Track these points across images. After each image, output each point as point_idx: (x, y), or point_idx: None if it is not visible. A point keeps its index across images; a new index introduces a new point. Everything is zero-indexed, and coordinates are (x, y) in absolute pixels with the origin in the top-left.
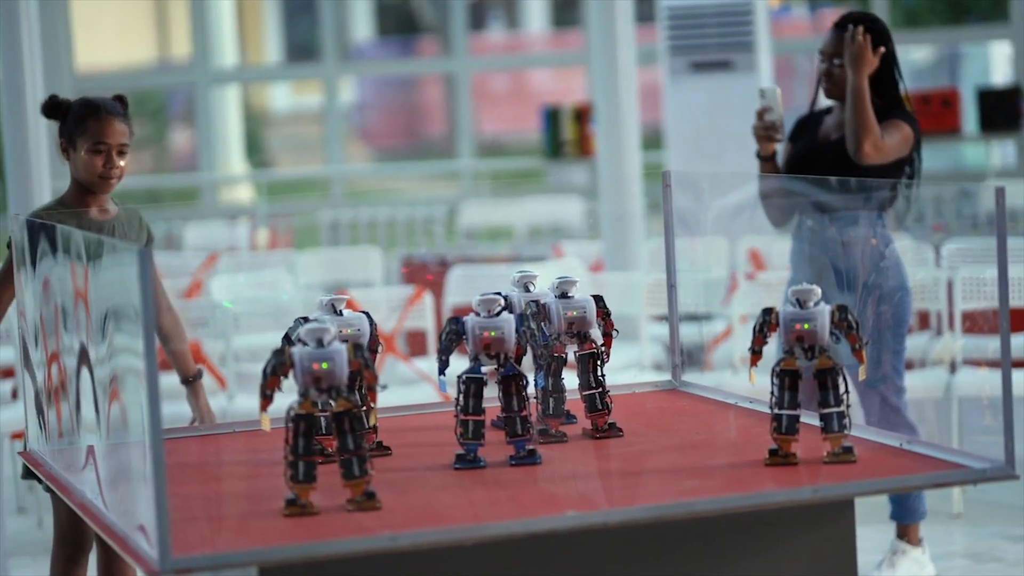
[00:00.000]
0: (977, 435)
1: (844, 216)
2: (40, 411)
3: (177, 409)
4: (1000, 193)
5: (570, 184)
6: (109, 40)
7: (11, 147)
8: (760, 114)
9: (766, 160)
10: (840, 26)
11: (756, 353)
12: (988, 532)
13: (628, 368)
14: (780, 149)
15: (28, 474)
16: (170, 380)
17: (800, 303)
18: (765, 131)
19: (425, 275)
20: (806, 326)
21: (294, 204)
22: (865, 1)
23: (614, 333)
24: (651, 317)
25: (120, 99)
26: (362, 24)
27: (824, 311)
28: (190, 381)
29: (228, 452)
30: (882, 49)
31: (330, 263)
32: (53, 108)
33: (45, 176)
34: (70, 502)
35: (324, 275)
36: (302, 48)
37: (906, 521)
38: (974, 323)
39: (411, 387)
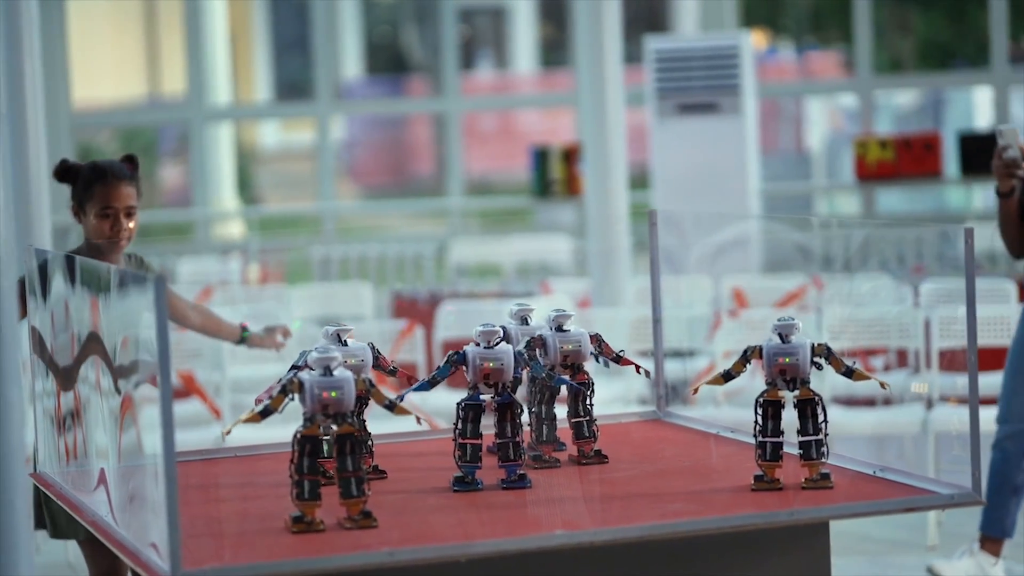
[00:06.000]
0: (952, 468)
1: None
2: (49, 435)
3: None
4: (968, 234)
5: (557, 223)
6: (104, 75)
7: (13, 184)
8: (999, 153)
9: (1005, 196)
10: None
11: (727, 377)
12: None
13: (613, 402)
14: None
15: (37, 525)
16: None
17: (783, 337)
18: (1006, 168)
19: (416, 311)
20: (788, 359)
21: (286, 240)
22: (849, 44)
23: (621, 352)
24: (636, 352)
25: (130, 159)
26: (351, 62)
27: (805, 345)
28: (244, 338)
29: (231, 475)
30: None
31: (321, 297)
32: (64, 172)
33: (46, 214)
34: (82, 520)
35: (316, 309)
36: (291, 86)
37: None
38: (950, 361)
39: (401, 418)
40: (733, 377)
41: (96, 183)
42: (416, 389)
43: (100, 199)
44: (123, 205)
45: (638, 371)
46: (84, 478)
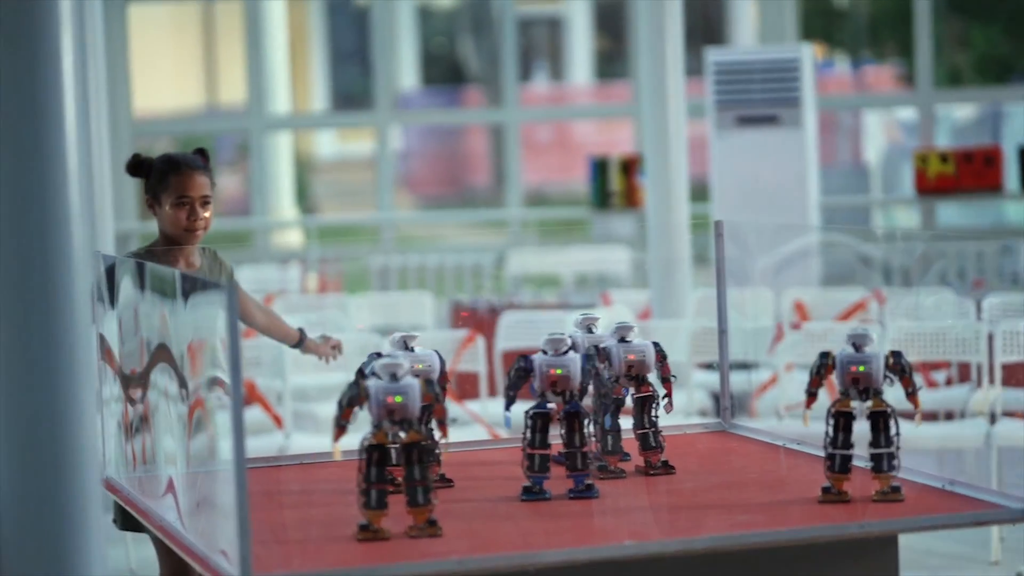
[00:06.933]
0: (1019, 483)
1: None
2: (117, 440)
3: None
4: None
5: (613, 234)
6: (163, 84)
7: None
8: None
9: None
10: None
11: (812, 395)
12: None
13: (675, 414)
14: None
15: (127, 525)
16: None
17: (856, 347)
18: None
19: (476, 321)
20: (861, 368)
21: (345, 249)
22: (909, 58)
23: (672, 378)
24: (697, 365)
25: (201, 152)
26: (407, 73)
27: (879, 355)
28: (301, 342)
29: (294, 482)
30: None
31: (381, 307)
32: (137, 166)
33: (109, 220)
34: (150, 525)
35: (375, 318)
36: (347, 96)
37: None
38: (1013, 375)
39: (463, 428)
40: (815, 394)
41: (170, 173)
42: (506, 411)
43: (175, 189)
44: (198, 194)
45: (665, 397)
46: (152, 483)
